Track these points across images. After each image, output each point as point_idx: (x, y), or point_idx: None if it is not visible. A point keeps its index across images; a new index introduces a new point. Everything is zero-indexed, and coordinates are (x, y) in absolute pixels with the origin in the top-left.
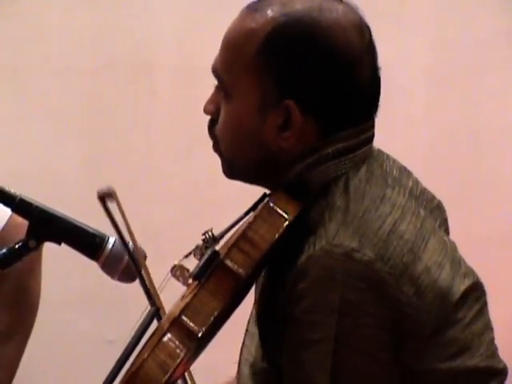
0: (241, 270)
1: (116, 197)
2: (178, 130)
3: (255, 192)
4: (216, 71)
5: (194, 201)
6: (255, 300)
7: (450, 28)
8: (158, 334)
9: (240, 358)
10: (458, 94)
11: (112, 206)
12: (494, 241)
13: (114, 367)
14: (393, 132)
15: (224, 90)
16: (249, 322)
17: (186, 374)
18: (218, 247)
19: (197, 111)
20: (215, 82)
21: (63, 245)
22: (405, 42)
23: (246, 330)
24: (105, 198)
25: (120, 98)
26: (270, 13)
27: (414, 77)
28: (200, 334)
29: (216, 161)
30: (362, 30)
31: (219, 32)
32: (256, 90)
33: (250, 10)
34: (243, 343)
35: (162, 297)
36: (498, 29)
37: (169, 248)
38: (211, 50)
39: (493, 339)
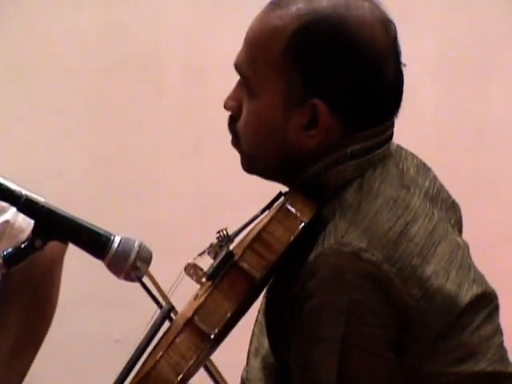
0: (255, 272)
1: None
2: (186, 129)
3: (265, 190)
4: (240, 68)
5: (202, 199)
6: (265, 294)
7: (458, 27)
8: (171, 334)
9: (249, 348)
10: (466, 93)
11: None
12: (502, 239)
13: (125, 367)
14: (400, 131)
15: (248, 87)
16: (259, 311)
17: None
18: (232, 246)
19: (205, 110)
20: (226, 78)
21: (69, 244)
22: (412, 42)
23: (256, 320)
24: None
25: (128, 98)
26: (295, 10)
27: (422, 76)
28: (213, 336)
29: (224, 159)
30: (388, 27)
31: (227, 31)
32: (282, 88)
33: (275, 6)
34: (253, 333)
35: (174, 295)
36: (506, 28)
37: (179, 247)
38: (219, 49)
39: (502, 343)
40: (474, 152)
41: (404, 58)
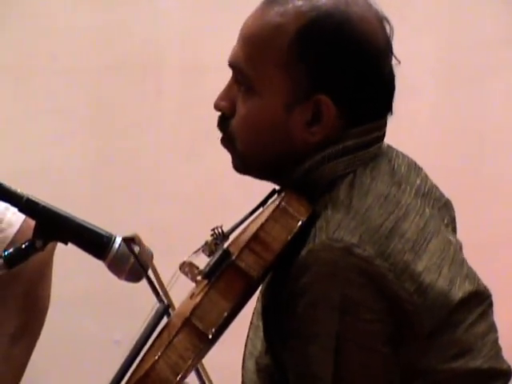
0: (252, 271)
1: (140, 241)
2: (185, 129)
3: (262, 190)
4: (237, 66)
5: (201, 199)
6: (260, 293)
7: (458, 29)
8: (168, 334)
9: (244, 352)
10: (466, 94)
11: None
12: (500, 241)
13: (123, 365)
14: (399, 132)
15: (247, 84)
16: (253, 314)
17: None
18: (227, 243)
19: (204, 110)
20: (226, 78)
21: (70, 244)
22: (412, 43)
23: (251, 323)
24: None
25: (127, 98)
26: (296, 7)
27: (422, 78)
28: (210, 336)
29: (223, 159)
30: (384, 23)
31: (226, 31)
32: (285, 84)
33: (272, 3)
34: (247, 336)
35: (170, 293)
36: (506, 30)
37: (177, 246)
38: (218, 49)
39: (497, 340)
40: (473, 154)
41: (403, 60)
